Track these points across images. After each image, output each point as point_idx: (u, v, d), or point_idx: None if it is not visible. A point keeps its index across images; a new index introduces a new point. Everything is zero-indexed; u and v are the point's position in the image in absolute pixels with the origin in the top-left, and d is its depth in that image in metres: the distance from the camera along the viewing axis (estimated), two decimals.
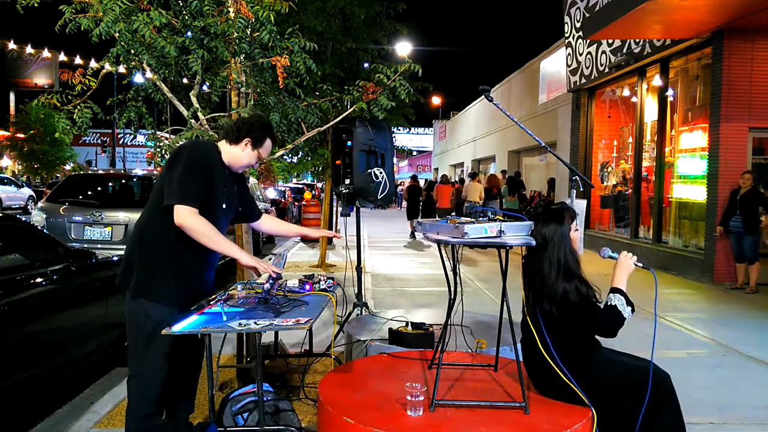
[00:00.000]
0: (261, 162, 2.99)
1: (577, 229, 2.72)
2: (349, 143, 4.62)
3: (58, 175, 30.66)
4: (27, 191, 22.61)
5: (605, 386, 2.55)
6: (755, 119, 8.57)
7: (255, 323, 2.53)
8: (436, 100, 37.16)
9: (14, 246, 3.85)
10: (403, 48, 11.56)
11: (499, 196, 15.04)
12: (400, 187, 26.55)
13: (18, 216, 4.58)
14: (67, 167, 32.55)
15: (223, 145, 2.87)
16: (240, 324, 2.51)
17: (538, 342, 2.57)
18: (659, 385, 2.55)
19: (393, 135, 6.04)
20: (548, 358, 2.53)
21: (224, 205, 2.83)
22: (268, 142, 2.90)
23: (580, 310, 2.55)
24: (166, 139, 4.57)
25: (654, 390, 2.52)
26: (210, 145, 2.89)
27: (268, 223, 3.34)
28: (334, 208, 12.31)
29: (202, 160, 2.71)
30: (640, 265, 2.71)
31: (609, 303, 2.58)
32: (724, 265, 8.52)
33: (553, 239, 2.60)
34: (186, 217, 2.58)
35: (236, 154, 2.86)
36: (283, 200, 20.33)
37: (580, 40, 12.72)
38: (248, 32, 3.83)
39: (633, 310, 2.60)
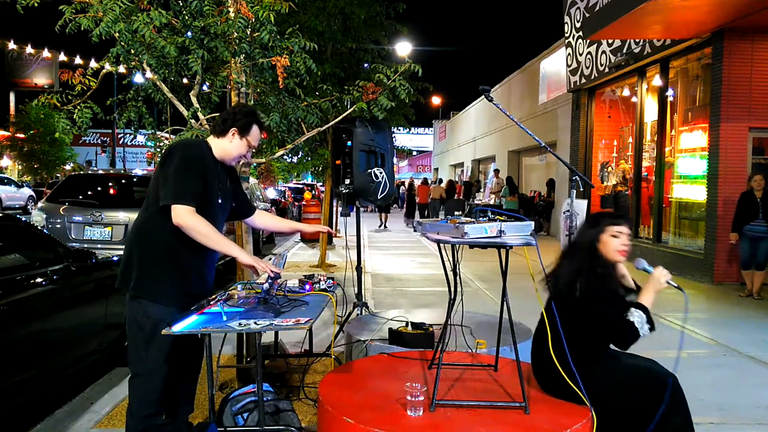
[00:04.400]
0: (253, 152, 2.98)
1: (614, 235, 2.68)
2: (349, 143, 4.62)
3: (58, 175, 30.64)
4: (27, 191, 22.61)
5: (614, 387, 2.55)
6: (755, 119, 8.56)
7: (255, 323, 2.53)
8: (436, 100, 37.13)
9: (14, 246, 3.85)
10: (403, 48, 11.57)
11: (453, 195, 20.57)
12: (402, 188, 26.89)
13: (18, 216, 4.58)
14: (68, 167, 32.54)
15: (213, 140, 2.87)
16: (240, 324, 2.51)
17: (549, 338, 2.57)
18: (666, 386, 2.56)
19: (393, 135, 6.04)
20: (553, 357, 2.53)
21: (219, 201, 2.83)
22: (255, 128, 2.88)
23: (599, 302, 2.55)
24: (166, 139, 4.58)
25: (661, 392, 2.53)
26: (201, 142, 2.89)
27: (262, 219, 3.33)
28: (334, 208, 12.32)
29: (196, 158, 2.70)
30: (674, 284, 2.70)
31: (627, 317, 2.56)
32: (724, 265, 8.51)
33: (584, 244, 2.68)
34: (184, 216, 2.58)
35: (226, 146, 2.85)
36: (283, 200, 20.32)
37: (580, 40, 12.72)
38: (248, 32, 3.83)
39: (652, 329, 2.57)
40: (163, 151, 4.20)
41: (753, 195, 7.55)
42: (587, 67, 12.54)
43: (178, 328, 2.45)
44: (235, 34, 3.75)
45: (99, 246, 6.81)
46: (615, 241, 2.67)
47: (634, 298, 2.70)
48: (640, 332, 2.53)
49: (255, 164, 4.93)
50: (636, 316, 2.55)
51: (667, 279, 2.67)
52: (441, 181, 23.61)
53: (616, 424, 2.56)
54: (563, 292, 2.61)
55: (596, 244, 2.67)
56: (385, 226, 18.26)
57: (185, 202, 2.59)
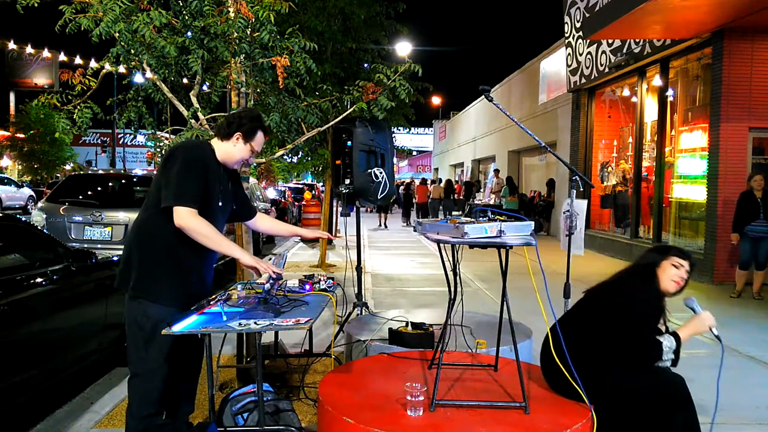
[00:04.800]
0: (255, 154, 2.98)
1: (675, 265, 2.72)
2: (349, 143, 4.62)
3: (59, 174, 30.64)
4: (27, 191, 22.60)
5: (628, 388, 2.57)
6: (755, 119, 8.56)
7: (255, 323, 2.53)
8: (436, 100, 37.13)
9: (14, 246, 3.85)
10: (403, 48, 11.57)
11: (453, 195, 21.62)
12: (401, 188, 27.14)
13: (18, 216, 4.58)
14: (67, 167, 32.53)
15: (216, 143, 2.87)
16: (240, 324, 2.51)
17: (549, 341, 2.57)
18: (672, 387, 2.60)
19: (393, 135, 6.04)
20: (555, 357, 2.53)
21: (220, 204, 2.83)
22: (259, 134, 2.88)
23: (640, 313, 2.60)
24: (166, 139, 4.58)
25: (666, 391, 2.56)
26: (204, 144, 2.89)
27: (262, 222, 3.33)
28: (334, 208, 12.32)
29: (198, 160, 2.70)
30: (715, 333, 2.74)
31: (657, 338, 2.61)
32: (724, 265, 8.51)
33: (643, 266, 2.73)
34: (186, 218, 2.58)
35: (229, 150, 2.85)
36: (283, 200, 20.32)
37: (580, 40, 12.72)
38: (248, 32, 3.83)
39: (674, 364, 2.62)
40: (163, 151, 4.21)
41: (753, 195, 7.46)
42: (587, 67, 12.54)
43: (178, 328, 2.45)
44: (235, 34, 3.75)
45: (99, 246, 6.81)
46: (674, 271, 2.72)
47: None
48: (663, 357, 2.57)
49: (255, 164, 4.93)
50: (666, 341, 2.59)
51: (711, 325, 2.73)
52: (440, 180, 24.35)
53: (625, 425, 2.57)
54: (608, 292, 2.67)
55: (656, 268, 2.73)
56: (385, 226, 18.67)
57: (186, 203, 2.59)
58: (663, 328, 2.79)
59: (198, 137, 3.76)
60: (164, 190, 2.63)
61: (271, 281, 2.86)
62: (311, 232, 3.48)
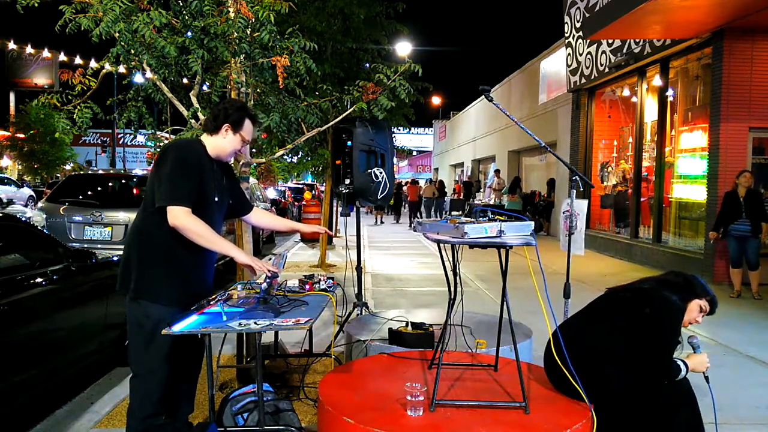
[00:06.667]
0: (248, 147, 2.97)
1: (702, 307, 2.71)
2: (349, 143, 4.62)
3: (59, 174, 30.63)
4: (27, 191, 22.61)
5: (630, 389, 2.57)
6: (755, 119, 8.56)
7: (255, 323, 2.53)
8: (436, 100, 37.11)
9: (14, 246, 3.85)
10: (403, 48, 11.57)
11: (443, 194, 23.12)
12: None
13: (18, 216, 4.58)
14: (68, 167, 32.53)
15: (206, 138, 2.86)
16: (240, 324, 2.51)
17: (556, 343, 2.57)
18: (676, 386, 2.62)
19: (393, 135, 6.04)
20: (554, 352, 2.53)
21: (216, 199, 2.82)
22: (247, 123, 2.87)
23: (666, 330, 2.59)
24: (166, 139, 4.58)
25: (670, 390, 2.58)
26: (195, 142, 2.89)
27: (259, 217, 3.32)
28: (334, 208, 12.33)
29: (190, 158, 2.70)
30: (707, 376, 2.80)
31: (676, 360, 2.64)
32: (723, 265, 8.50)
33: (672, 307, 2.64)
34: (180, 217, 2.58)
35: (219, 143, 2.84)
36: (283, 200, 20.32)
37: (580, 40, 12.72)
38: (248, 32, 3.83)
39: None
40: None
41: (736, 194, 7.50)
42: (587, 67, 12.54)
43: (178, 328, 2.45)
44: (235, 34, 3.75)
45: (99, 246, 6.81)
46: (697, 312, 2.72)
47: None
48: (677, 372, 2.61)
49: (255, 164, 4.93)
50: (682, 366, 2.63)
51: (708, 368, 2.78)
52: (431, 181, 26.09)
53: (626, 425, 2.57)
54: (634, 300, 2.65)
55: (687, 302, 2.69)
56: (376, 221, 21.10)
57: (180, 203, 2.59)
58: None
59: (198, 137, 3.76)
60: (158, 190, 2.62)
61: (268, 280, 2.86)
62: (309, 227, 3.47)
